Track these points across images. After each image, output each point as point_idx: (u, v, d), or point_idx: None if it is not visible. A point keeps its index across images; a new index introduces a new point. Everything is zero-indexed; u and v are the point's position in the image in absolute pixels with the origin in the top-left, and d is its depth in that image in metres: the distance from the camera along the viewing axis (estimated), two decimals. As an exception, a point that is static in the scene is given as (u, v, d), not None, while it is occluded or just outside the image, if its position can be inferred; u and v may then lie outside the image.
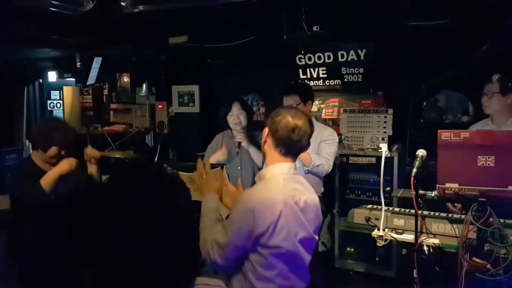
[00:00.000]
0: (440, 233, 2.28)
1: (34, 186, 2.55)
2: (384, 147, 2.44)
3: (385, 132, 3.82)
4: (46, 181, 2.55)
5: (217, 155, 3.28)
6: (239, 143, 3.25)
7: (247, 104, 3.54)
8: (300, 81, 4.52)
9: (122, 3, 2.92)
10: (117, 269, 0.91)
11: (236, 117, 3.32)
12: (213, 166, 2.79)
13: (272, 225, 1.71)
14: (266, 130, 1.91)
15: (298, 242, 1.79)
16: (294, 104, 3.07)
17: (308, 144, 1.91)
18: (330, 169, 3.18)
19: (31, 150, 5.64)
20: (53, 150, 2.65)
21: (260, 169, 3.14)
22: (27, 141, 6.06)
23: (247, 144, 3.26)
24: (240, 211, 1.75)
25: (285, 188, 1.80)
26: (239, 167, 3.32)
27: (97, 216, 0.93)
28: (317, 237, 1.93)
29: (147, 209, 0.92)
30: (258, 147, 3.34)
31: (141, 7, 2.96)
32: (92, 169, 2.79)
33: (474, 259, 2.03)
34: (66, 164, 2.59)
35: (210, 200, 1.94)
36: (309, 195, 1.88)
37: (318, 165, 3.09)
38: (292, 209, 1.78)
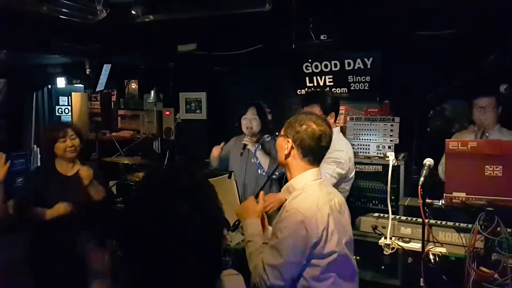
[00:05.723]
0: (447, 242, 2.29)
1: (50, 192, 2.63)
2: (391, 155, 2.45)
3: (391, 140, 3.83)
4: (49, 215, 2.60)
5: (214, 149, 3.37)
6: (245, 145, 3.30)
7: (263, 113, 3.46)
8: (313, 88, 4.42)
9: (134, 13, 2.96)
10: (154, 266, 0.96)
11: (249, 121, 3.36)
12: (220, 173, 2.81)
13: (325, 230, 1.69)
14: (287, 141, 1.81)
15: (345, 245, 1.78)
16: None
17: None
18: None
19: (39, 155, 5.72)
20: (57, 146, 2.70)
21: (267, 173, 3.17)
22: (35, 146, 6.12)
23: (253, 147, 3.28)
24: (288, 227, 1.66)
25: (323, 192, 1.79)
26: (244, 172, 3.36)
27: (133, 217, 0.98)
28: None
29: (181, 210, 0.97)
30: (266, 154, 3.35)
31: (151, 17, 3.01)
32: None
33: (482, 268, 2.03)
34: (61, 208, 2.60)
35: (251, 226, 1.86)
36: (338, 195, 1.88)
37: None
38: (334, 212, 1.76)
